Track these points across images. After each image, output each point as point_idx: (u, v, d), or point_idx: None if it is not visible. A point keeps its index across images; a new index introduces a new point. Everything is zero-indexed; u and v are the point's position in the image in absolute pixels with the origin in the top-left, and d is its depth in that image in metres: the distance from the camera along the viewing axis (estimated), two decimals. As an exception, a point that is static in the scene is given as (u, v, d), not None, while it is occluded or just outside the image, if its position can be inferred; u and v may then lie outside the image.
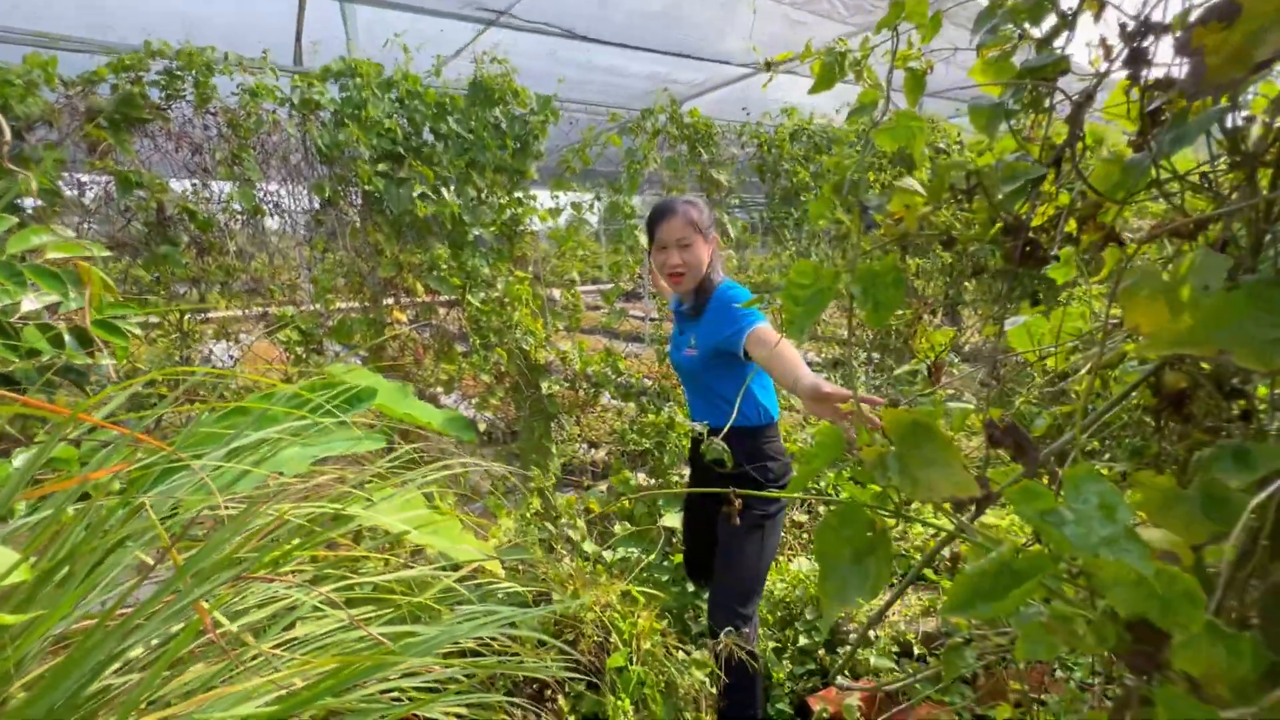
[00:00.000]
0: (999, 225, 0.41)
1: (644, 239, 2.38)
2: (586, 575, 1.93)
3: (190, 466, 0.87)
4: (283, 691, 0.73)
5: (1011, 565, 0.29)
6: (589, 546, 2.15)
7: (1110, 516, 0.28)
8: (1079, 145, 0.38)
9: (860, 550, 0.35)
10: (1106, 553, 0.27)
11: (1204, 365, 0.40)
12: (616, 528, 2.54)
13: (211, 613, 0.79)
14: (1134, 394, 0.41)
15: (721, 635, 1.75)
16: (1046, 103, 0.40)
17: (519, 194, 2.46)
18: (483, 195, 2.32)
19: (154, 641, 0.86)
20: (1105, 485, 0.29)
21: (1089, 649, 0.33)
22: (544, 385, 2.53)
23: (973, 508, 0.43)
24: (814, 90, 0.64)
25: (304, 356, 2.01)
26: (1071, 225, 0.42)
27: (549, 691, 1.73)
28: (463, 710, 1.14)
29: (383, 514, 1.21)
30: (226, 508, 0.87)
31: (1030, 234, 0.40)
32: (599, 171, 3.14)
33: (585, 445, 4.14)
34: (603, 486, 2.84)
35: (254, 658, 0.82)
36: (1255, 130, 0.39)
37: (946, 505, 0.37)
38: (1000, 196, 0.37)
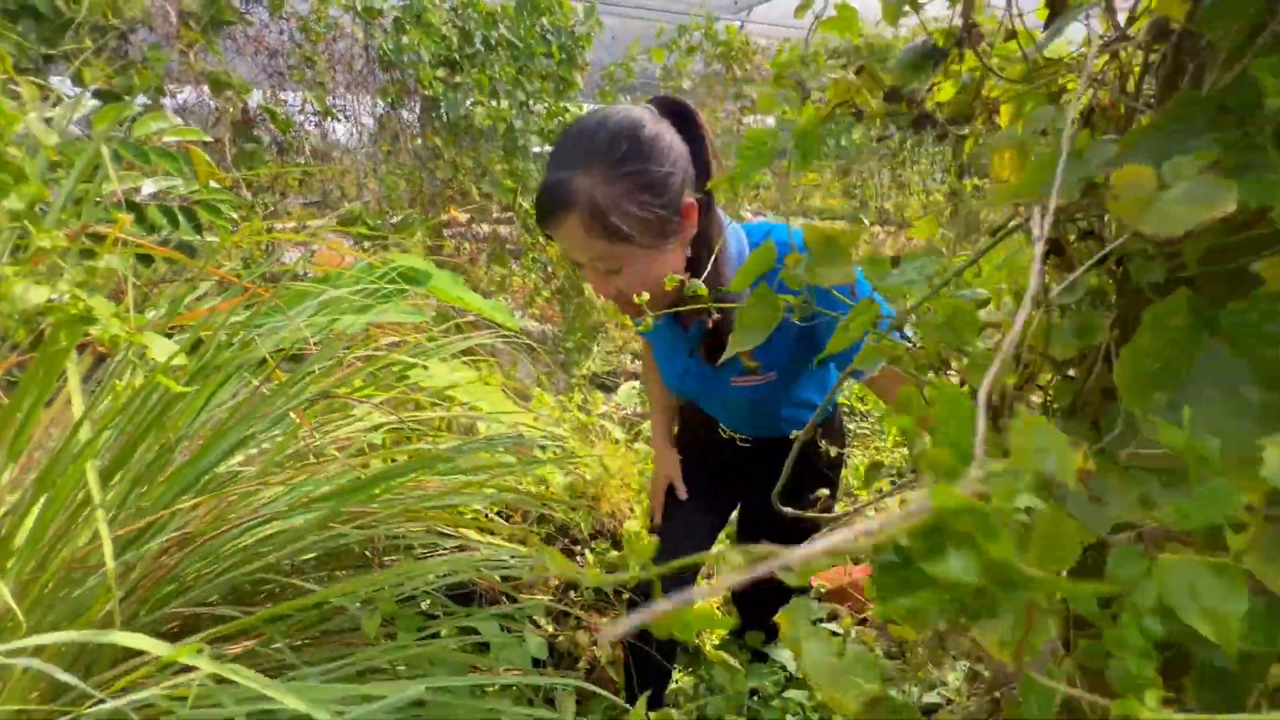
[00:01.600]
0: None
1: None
2: (617, 457, 2.16)
3: (285, 312, 1.10)
4: (355, 474, 0.97)
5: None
6: (619, 434, 2.37)
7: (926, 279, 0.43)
8: (974, 27, 0.49)
9: (769, 322, 0.51)
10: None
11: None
12: (645, 425, 2.76)
13: (309, 422, 1.02)
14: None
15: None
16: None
17: (566, 103, 2.56)
18: (531, 102, 2.43)
19: (265, 446, 1.12)
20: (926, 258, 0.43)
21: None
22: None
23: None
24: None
25: (371, 250, 2.24)
26: (947, 93, 0.53)
27: (578, 547, 2.01)
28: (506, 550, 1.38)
29: (436, 376, 1.44)
30: (314, 346, 1.10)
31: (921, 105, 0.52)
32: (648, 86, 3.16)
33: (629, 356, 4.34)
34: (635, 384, 3.04)
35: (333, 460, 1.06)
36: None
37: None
38: (896, 71, 0.50)
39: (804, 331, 0.97)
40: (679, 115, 0.89)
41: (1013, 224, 0.53)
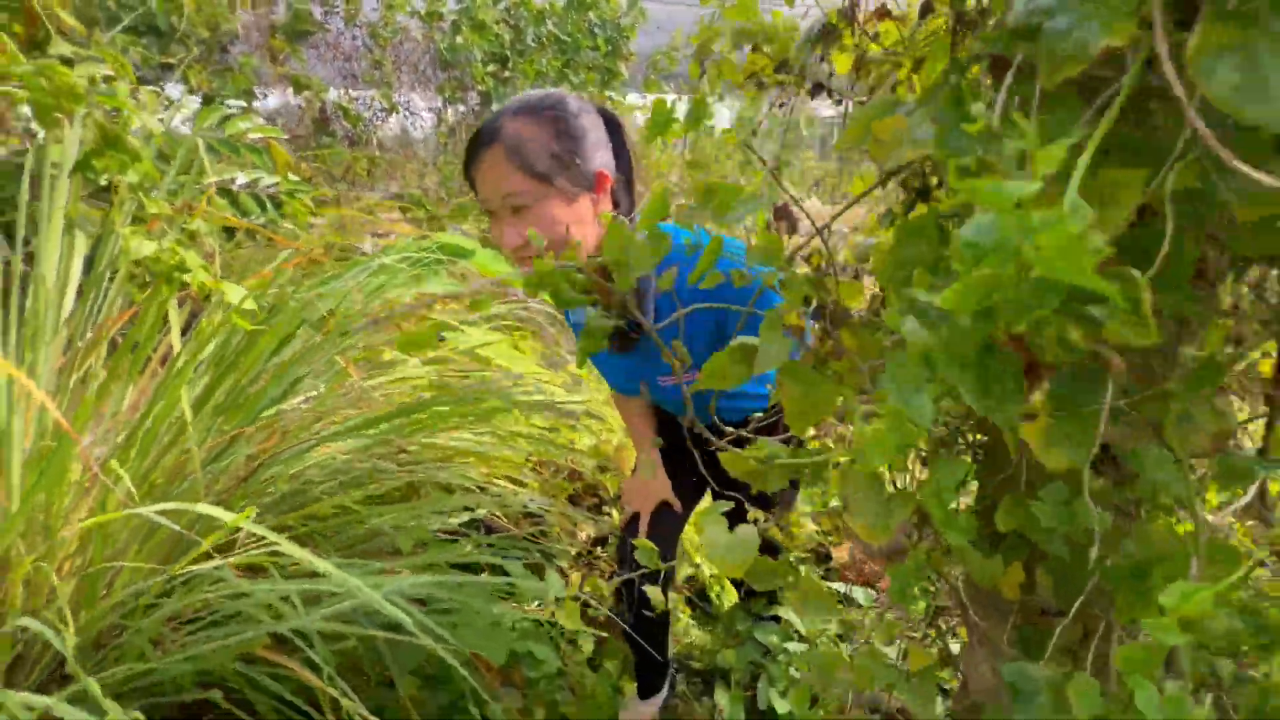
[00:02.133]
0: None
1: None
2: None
3: (341, 278, 1.30)
4: (397, 405, 1.15)
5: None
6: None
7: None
8: (856, 6, 0.58)
9: (658, 253, 0.63)
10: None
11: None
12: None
13: (354, 362, 1.22)
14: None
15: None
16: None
17: (610, 92, 2.70)
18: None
19: (321, 389, 1.32)
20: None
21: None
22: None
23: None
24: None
25: (425, 226, 2.48)
26: (844, 65, 0.62)
27: (605, 507, 2.16)
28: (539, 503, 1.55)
29: (470, 338, 1.62)
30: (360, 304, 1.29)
31: (815, 75, 0.63)
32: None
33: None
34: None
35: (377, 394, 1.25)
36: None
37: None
38: (797, 48, 0.60)
39: (719, 330, 1.02)
40: (607, 120, 1.02)
41: (878, 180, 0.63)
